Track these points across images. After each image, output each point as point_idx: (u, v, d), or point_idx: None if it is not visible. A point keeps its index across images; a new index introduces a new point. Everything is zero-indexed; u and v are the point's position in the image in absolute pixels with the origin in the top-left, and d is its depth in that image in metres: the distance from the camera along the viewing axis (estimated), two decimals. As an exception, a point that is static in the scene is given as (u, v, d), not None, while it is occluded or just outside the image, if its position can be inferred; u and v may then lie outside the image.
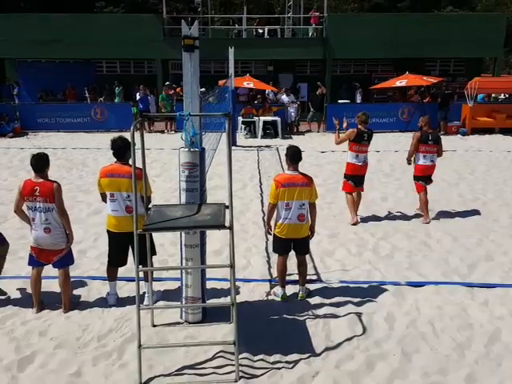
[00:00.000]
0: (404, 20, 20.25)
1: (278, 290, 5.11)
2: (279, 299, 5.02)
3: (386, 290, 5.22)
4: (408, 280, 5.46)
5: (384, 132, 16.35)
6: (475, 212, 7.95)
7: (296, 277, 5.23)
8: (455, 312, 4.77)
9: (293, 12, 21.86)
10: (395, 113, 16.95)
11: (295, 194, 4.79)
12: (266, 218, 5.13)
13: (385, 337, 4.35)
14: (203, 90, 12.60)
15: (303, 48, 19.98)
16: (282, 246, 5.01)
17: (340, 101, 18.51)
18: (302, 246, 5.04)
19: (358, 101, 19.02)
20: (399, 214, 7.90)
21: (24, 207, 4.60)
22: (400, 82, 17.01)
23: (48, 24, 19.31)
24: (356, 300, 4.98)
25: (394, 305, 4.91)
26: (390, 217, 7.74)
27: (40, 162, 4.54)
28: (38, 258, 4.65)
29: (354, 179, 7.47)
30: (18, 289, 5.16)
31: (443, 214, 7.81)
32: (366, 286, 5.33)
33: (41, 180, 4.50)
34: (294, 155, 4.92)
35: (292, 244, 4.99)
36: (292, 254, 5.11)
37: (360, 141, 7.38)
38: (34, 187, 4.46)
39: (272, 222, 5.06)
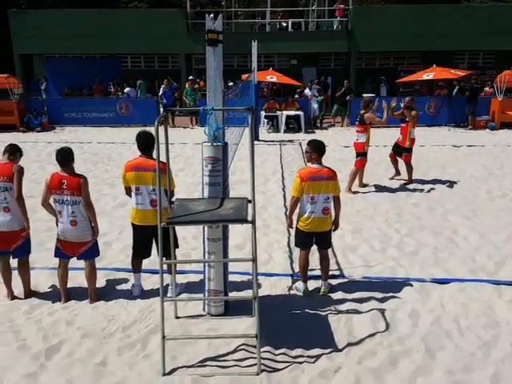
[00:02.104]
0: (432, 11, 19.82)
1: (299, 284, 5.10)
2: (301, 294, 5.02)
3: (410, 286, 5.15)
4: (433, 277, 5.38)
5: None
6: (504, 208, 7.76)
7: (318, 272, 5.21)
8: (481, 310, 4.68)
9: (317, 5, 21.67)
10: (421, 107, 16.61)
11: (321, 188, 4.77)
12: (288, 211, 5.11)
13: (408, 333, 4.30)
14: (231, 84, 12.65)
15: (327, 41, 19.81)
16: (304, 240, 4.99)
17: (365, 95, 18.27)
18: (324, 240, 5.01)
19: (384, 94, 18.72)
20: (425, 209, 7.78)
21: (51, 200, 4.70)
22: (427, 75, 16.64)
23: (75, 19, 19.63)
24: (379, 296, 4.93)
25: (418, 301, 4.85)
26: (415, 212, 7.63)
27: (65, 156, 4.62)
28: (63, 251, 4.75)
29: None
30: (45, 280, 5.28)
31: (471, 211, 7.65)
32: (389, 282, 5.27)
33: (68, 173, 4.59)
34: (318, 148, 4.88)
35: (315, 238, 4.97)
36: (314, 248, 5.08)
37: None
38: (62, 180, 4.55)
39: (294, 217, 5.05)
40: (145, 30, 19.25)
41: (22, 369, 3.79)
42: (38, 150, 12.34)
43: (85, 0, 26.43)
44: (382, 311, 4.65)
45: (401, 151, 9.21)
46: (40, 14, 20.41)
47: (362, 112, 8.71)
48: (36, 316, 4.59)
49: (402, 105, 9.22)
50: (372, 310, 4.67)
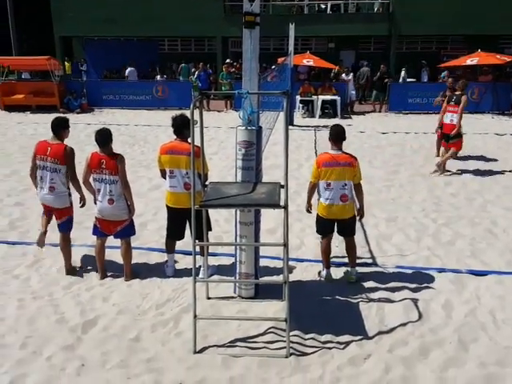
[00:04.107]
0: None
1: (323, 270, 5.08)
2: (324, 280, 5.00)
3: (445, 277, 5.05)
4: (469, 268, 5.25)
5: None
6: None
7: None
8: (519, 303, 4.55)
9: (358, -14, 21.12)
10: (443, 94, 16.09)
11: (337, 174, 4.67)
12: (306, 196, 5.06)
13: (441, 324, 4.23)
14: (274, 67, 12.54)
15: (367, 23, 19.33)
16: (324, 227, 4.94)
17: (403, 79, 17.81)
18: (346, 227, 4.92)
19: (425, 80, 18.15)
20: (464, 199, 7.56)
21: (90, 179, 4.83)
22: (471, 61, 16.03)
23: (114, 2, 19.86)
24: (413, 286, 4.86)
25: (452, 292, 4.75)
26: (453, 202, 7.43)
27: (104, 137, 4.72)
28: (101, 229, 4.90)
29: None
30: (83, 257, 5.47)
31: None
32: (424, 272, 5.18)
33: (106, 154, 4.70)
34: (336, 134, 4.76)
35: (336, 225, 4.91)
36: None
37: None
38: (101, 160, 4.67)
39: (314, 203, 5.00)
40: (182, 13, 19.29)
41: (61, 340, 3.96)
42: (78, 132, 12.63)
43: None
44: (415, 301, 4.58)
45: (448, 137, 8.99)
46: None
47: (459, 93, 8.88)
48: (74, 291, 4.77)
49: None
50: (405, 299, 4.61)
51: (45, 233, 5.11)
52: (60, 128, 4.94)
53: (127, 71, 18.65)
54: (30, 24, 30.40)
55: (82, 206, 5.11)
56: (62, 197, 4.92)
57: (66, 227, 5.05)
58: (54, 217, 5.08)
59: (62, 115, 5.22)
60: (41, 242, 5.13)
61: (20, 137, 12.35)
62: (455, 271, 5.18)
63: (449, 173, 8.89)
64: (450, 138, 8.81)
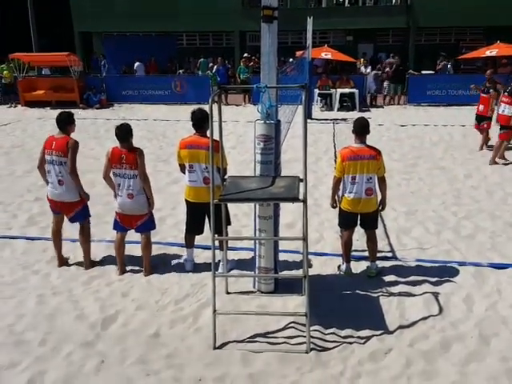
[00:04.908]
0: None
1: (343, 264, 5.06)
2: (344, 274, 4.97)
3: (465, 270, 4.99)
4: (490, 261, 5.18)
5: (471, 105, 15.30)
6: None
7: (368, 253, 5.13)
8: (541, 297, 4.47)
9: (376, -22, 20.85)
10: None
11: (362, 168, 4.64)
12: (331, 191, 5.03)
13: (462, 318, 4.19)
14: (292, 61, 12.46)
15: (385, 16, 19.10)
16: (347, 220, 4.92)
17: (424, 71, 17.54)
18: (369, 221, 4.90)
19: (451, 72, 17.80)
20: (484, 192, 7.44)
21: (110, 174, 4.86)
22: (490, 52, 15.71)
23: (133, -2, 19.98)
24: (433, 280, 4.81)
25: (473, 286, 4.69)
26: (474, 195, 7.31)
27: (124, 132, 4.75)
28: (121, 223, 4.94)
29: None
30: (103, 252, 5.52)
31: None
32: (444, 265, 5.12)
33: (126, 148, 4.74)
34: (360, 127, 4.74)
35: (359, 218, 4.88)
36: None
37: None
38: (121, 155, 4.70)
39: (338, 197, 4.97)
40: (200, 8, 19.31)
41: (80, 337, 3.98)
42: (97, 127, 12.79)
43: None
44: (436, 295, 4.53)
45: (482, 120, 9.73)
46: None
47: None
48: (94, 287, 4.82)
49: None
50: (425, 293, 4.57)
51: (60, 256, 5.18)
52: (64, 123, 4.97)
53: (135, 66, 18.91)
54: (50, 20, 30.81)
55: (82, 202, 5.05)
56: (72, 190, 4.92)
57: (81, 217, 5.07)
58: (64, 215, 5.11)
59: (66, 110, 5.22)
60: (62, 262, 5.20)
61: (40, 132, 12.51)
62: (476, 264, 5.11)
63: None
64: (501, 128, 8.90)
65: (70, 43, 22.55)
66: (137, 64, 18.98)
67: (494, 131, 9.42)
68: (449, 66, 17.96)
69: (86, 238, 5.14)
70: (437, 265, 5.15)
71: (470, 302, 4.43)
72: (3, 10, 31.10)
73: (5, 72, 17.20)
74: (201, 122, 4.81)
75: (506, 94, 8.78)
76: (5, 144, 11.14)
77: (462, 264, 5.13)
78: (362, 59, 17.63)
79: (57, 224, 5.18)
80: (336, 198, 5.00)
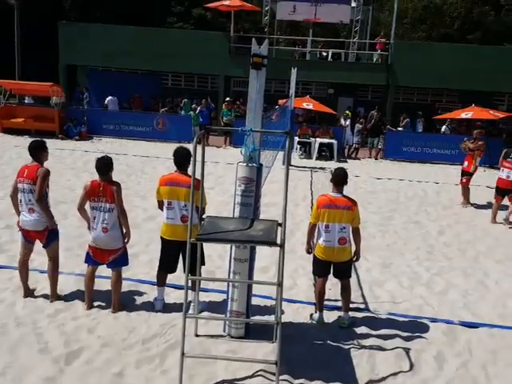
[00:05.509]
0: (473, 52, 19.74)
1: (315, 313, 5.00)
2: (316, 323, 4.91)
3: (437, 327, 4.99)
4: (462, 319, 5.20)
5: (445, 164, 15.86)
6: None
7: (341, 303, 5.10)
8: (511, 358, 4.47)
9: (358, 37, 21.85)
10: (456, 145, 16.37)
11: (336, 216, 4.69)
12: (306, 237, 5.05)
13: (433, 376, 4.15)
14: (276, 107, 12.63)
15: (366, 73, 19.90)
16: (321, 268, 4.92)
17: (400, 128, 18.17)
18: (343, 270, 4.89)
19: (419, 130, 18.53)
20: (456, 249, 7.57)
21: (86, 206, 4.78)
22: (466, 114, 16.41)
23: (121, 35, 20.32)
24: (405, 335, 4.78)
25: (444, 344, 4.68)
26: (447, 252, 7.43)
27: (104, 165, 4.73)
28: (94, 257, 4.82)
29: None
30: (71, 285, 5.34)
31: (503, 254, 7.41)
32: (416, 321, 5.12)
33: (105, 181, 4.69)
34: (337, 177, 4.84)
35: (332, 267, 4.87)
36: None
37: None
38: (100, 188, 4.65)
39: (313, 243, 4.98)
40: (188, 51, 19.75)
41: (42, 371, 3.82)
42: (75, 158, 12.67)
43: (132, 17, 27.53)
44: (407, 350, 4.50)
45: (464, 175, 10.49)
46: (88, 27, 21.21)
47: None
48: (59, 320, 4.64)
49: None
50: (396, 348, 4.53)
51: (26, 287, 5.03)
52: (37, 151, 4.94)
53: (106, 100, 18.88)
54: (36, 49, 30.99)
55: (49, 230, 4.92)
56: (42, 218, 4.83)
57: (49, 243, 4.95)
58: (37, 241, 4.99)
59: (38, 139, 5.20)
60: (27, 293, 5.05)
61: (16, 160, 12.28)
62: (448, 322, 5.13)
63: None
64: (508, 192, 9.15)
65: (54, 74, 22.60)
66: (108, 98, 18.86)
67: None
68: (419, 123, 18.68)
69: (54, 269, 4.99)
70: (409, 319, 5.14)
71: (441, 360, 4.40)
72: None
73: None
74: (183, 160, 4.84)
75: (509, 159, 9.11)
76: (-22, 169, 10.89)
77: (433, 320, 5.14)
78: (347, 111, 18.17)
79: (25, 254, 5.02)
80: (311, 244, 5.00)
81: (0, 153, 13.19)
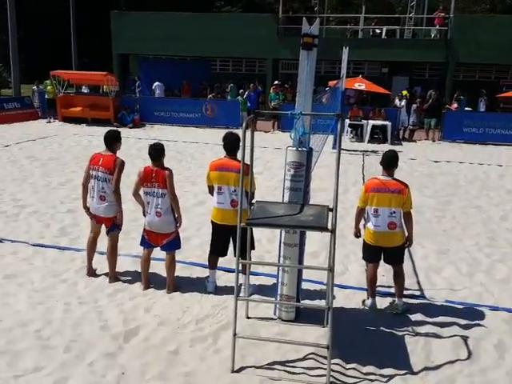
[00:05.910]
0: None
1: (367, 299, 4.92)
2: (368, 309, 4.82)
3: (498, 316, 4.78)
4: (525, 307, 4.95)
5: (509, 145, 15.01)
6: None
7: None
8: None
9: (415, 12, 20.92)
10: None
11: (385, 201, 4.53)
12: (354, 221, 4.93)
13: (493, 365, 3.99)
14: (327, 89, 12.40)
15: (423, 50, 19.00)
16: (370, 254, 4.80)
17: (454, 106, 17.33)
18: (393, 256, 4.74)
19: (482, 109, 17.55)
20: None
21: (140, 192, 4.92)
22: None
23: (171, 22, 20.54)
24: (463, 322, 4.61)
25: (506, 333, 4.47)
26: (510, 238, 7.05)
27: (157, 151, 4.84)
28: (148, 240, 4.98)
29: None
30: (128, 266, 5.56)
31: None
32: (475, 309, 4.92)
33: (157, 167, 4.80)
34: (387, 159, 4.65)
35: (383, 252, 4.74)
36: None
37: None
38: (153, 174, 4.78)
39: (362, 228, 4.88)
40: (236, 34, 19.68)
41: (103, 348, 4.01)
42: (129, 146, 13.02)
43: (181, 3, 27.74)
44: (465, 338, 4.34)
45: None
46: (138, 15, 21.63)
47: None
48: (118, 299, 4.85)
49: None
50: (454, 336, 4.38)
51: (90, 266, 5.28)
52: (112, 141, 5.13)
53: (154, 85, 19.48)
54: (91, 40, 32.06)
55: (118, 224, 5.17)
56: (112, 206, 5.04)
57: (113, 229, 5.17)
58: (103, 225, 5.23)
59: (114, 128, 5.42)
60: (90, 272, 5.31)
61: (75, 147, 12.87)
62: (509, 310, 4.89)
63: None
64: None
65: (108, 64, 23.29)
66: (156, 84, 19.45)
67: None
68: (481, 102, 17.71)
69: (113, 251, 5.20)
70: (467, 307, 4.95)
71: (502, 349, 4.22)
72: (48, 31, 32.60)
73: (49, 87, 17.84)
74: (232, 145, 4.84)
75: None
76: (42, 156, 11.47)
77: (494, 309, 4.92)
78: (405, 91, 17.52)
79: (95, 234, 5.30)
80: (359, 228, 4.90)
81: (60, 140, 13.83)
